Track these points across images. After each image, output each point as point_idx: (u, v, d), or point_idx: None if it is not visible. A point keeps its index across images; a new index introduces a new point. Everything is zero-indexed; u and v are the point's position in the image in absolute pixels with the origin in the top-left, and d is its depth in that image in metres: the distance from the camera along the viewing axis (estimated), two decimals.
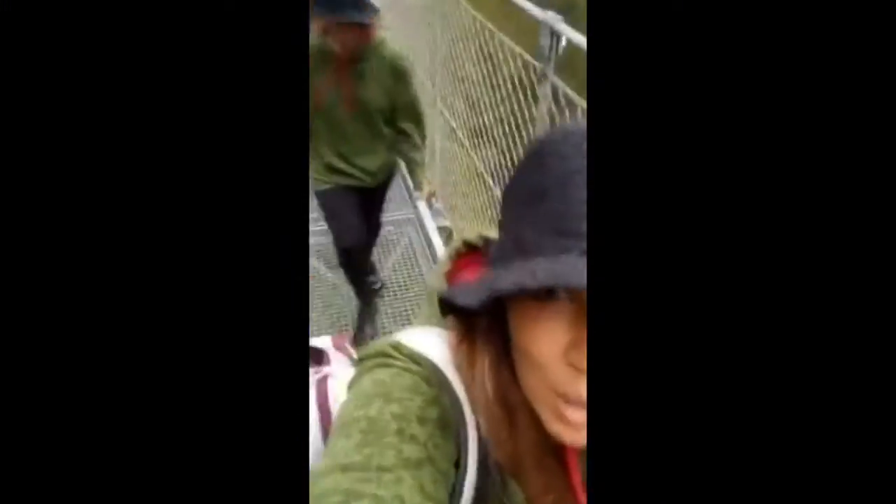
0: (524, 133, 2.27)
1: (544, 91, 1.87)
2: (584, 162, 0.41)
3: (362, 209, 2.56)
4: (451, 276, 0.55)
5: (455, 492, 0.48)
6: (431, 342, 0.52)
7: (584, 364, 0.40)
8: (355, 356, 0.82)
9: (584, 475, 0.50)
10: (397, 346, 0.51)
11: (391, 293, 3.03)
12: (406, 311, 2.95)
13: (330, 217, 2.55)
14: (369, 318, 2.81)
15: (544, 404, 0.45)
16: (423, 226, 3.22)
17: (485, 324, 0.49)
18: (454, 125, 3.18)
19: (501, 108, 2.51)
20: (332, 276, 3.05)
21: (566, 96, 1.81)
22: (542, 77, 1.87)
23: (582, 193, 0.40)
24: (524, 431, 0.48)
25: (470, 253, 0.57)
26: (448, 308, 0.46)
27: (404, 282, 3.10)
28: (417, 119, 2.41)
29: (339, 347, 0.94)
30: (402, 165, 2.62)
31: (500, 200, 0.50)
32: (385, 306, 2.94)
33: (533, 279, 0.37)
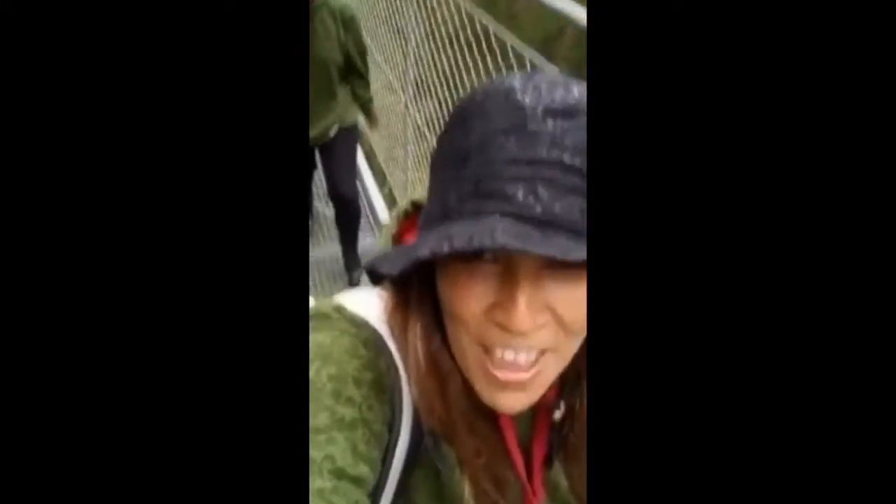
0: (465, 85, 2.34)
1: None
2: (505, 120, 0.40)
3: (324, 165, 2.64)
4: (398, 238, 0.55)
5: (388, 454, 0.49)
6: (372, 304, 0.52)
7: (511, 324, 0.41)
8: None
9: (519, 432, 0.52)
10: (338, 308, 0.52)
11: (336, 262, 3.08)
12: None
13: None
14: (351, 253, 2.91)
15: (474, 369, 0.46)
16: (367, 194, 3.29)
17: (416, 290, 0.49)
18: (391, 78, 3.23)
19: (443, 60, 2.58)
20: None
21: (514, 50, 1.87)
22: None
23: (503, 153, 0.40)
24: (456, 397, 0.48)
25: (416, 214, 0.56)
26: (373, 277, 0.46)
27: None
28: (365, 63, 2.49)
29: None
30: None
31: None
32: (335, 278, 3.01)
33: (449, 245, 0.37)
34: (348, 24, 2.31)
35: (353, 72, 2.48)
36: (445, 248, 0.37)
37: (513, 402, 0.46)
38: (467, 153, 0.42)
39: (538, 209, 0.39)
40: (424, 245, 0.40)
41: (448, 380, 0.48)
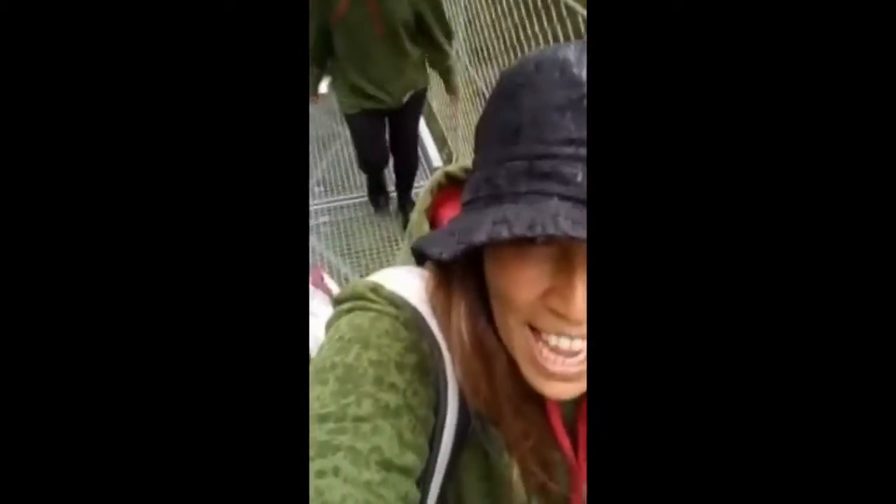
0: (526, 50, 2.32)
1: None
2: (560, 95, 0.38)
3: (391, 130, 2.66)
4: (431, 212, 0.53)
5: (435, 438, 0.47)
6: (411, 284, 0.50)
7: (568, 311, 0.39)
8: (334, 293, 0.76)
9: (565, 414, 0.50)
10: (375, 289, 0.49)
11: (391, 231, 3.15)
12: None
13: (357, 141, 2.66)
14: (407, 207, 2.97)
15: (523, 353, 0.44)
16: (427, 158, 3.32)
17: (460, 269, 0.47)
18: (454, 45, 3.23)
19: (502, 24, 2.56)
20: None
21: (566, 5, 1.84)
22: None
23: (558, 132, 0.38)
24: (502, 379, 0.47)
25: (451, 186, 0.55)
26: (420, 257, 0.44)
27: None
28: (444, 24, 2.40)
29: (316, 284, 0.90)
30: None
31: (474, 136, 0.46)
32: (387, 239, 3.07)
33: (508, 230, 0.35)
34: None
35: (427, 34, 2.38)
36: (505, 234, 0.35)
37: (560, 391, 0.44)
38: (518, 128, 0.39)
39: None
40: (479, 228, 0.37)
41: (494, 361, 0.47)
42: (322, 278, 0.90)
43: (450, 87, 2.64)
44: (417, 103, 2.62)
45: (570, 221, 0.35)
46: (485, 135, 0.44)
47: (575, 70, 0.38)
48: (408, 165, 2.86)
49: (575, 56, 0.39)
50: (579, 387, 0.44)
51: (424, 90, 2.62)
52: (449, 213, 0.54)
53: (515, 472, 0.49)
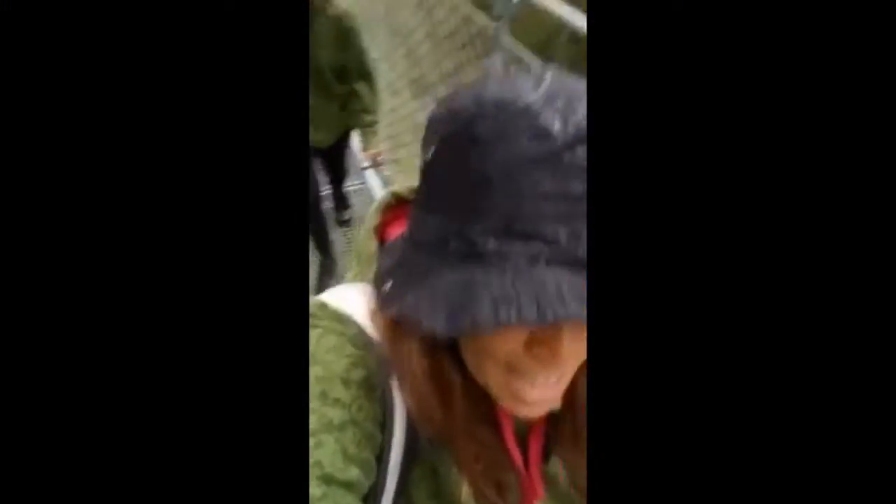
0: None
1: (497, 49, 1.90)
2: (533, 148, 0.37)
3: (327, 168, 2.70)
4: (379, 231, 0.52)
5: (383, 454, 0.47)
6: (357, 301, 0.50)
7: (552, 359, 0.39)
8: None
9: (517, 428, 0.50)
10: (322, 306, 0.49)
11: (343, 261, 3.13)
12: None
13: None
14: (329, 271, 2.92)
15: (501, 388, 0.43)
16: (371, 196, 3.32)
17: None
18: (393, 78, 3.25)
19: (444, 62, 2.59)
20: None
21: (517, 58, 1.84)
22: (496, 38, 1.89)
23: (535, 187, 0.36)
24: (457, 406, 0.46)
25: (399, 206, 0.54)
26: (407, 325, 0.41)
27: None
28: (368, 79, 2.39)
29: None
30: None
31: (420, 174, 0.45)
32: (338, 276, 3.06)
33: (518, 315, 0.34)
34: (346, 33, 2.25)
35: (353, 84, 2.39)
36: (514, 319, 0.34)
37: (537, 412, 0.44)
38: (489, 180, 0.37)
39: (580, 251, 0.36)
40: (477, 303, 0.36)
41: (450, 389, 0.46)
42: None
43: (366, 145, 2.59)
44: (346, 141, 2.67)
45: (577, 300, 0.34)
46: (444, 176, 0.41)
47: (542, 120, 0.37)
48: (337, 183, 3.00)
49: (538, 100, 0.37)
50: (553, 404, 0.45)
51: (349, 133, 2.66)
52: (397, 231, 0.53)
53: (465, 491, 0.48)
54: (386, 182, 3.32)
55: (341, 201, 3.12)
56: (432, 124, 0.42)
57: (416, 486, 0.49)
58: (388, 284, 0.44)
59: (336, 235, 3.03)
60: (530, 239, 0.36)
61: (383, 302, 0.45)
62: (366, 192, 3.42)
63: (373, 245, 0.53)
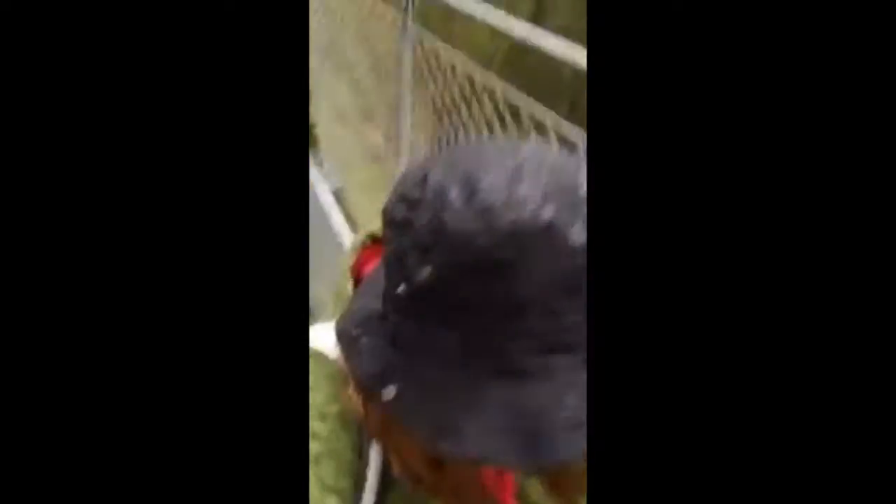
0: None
1: (407, 41, 2.00)
2: (563, 270, 0.36)
3: None
4: (355, 269, 0.53)
5: (358, 480, 0.49)
6: (333, 339, 0.49)
7: (569, 492, 0.41)
8: None
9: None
10: None
11: None
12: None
13: None
14: None
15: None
16: (314, 192, 3.36)
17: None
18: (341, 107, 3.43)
19: (385, 88, 2.77)
20: None
21: (427, 46, 1.95)
22: (403, 28, 2.00)
23: (574, 302, 0.36)
24: (421, 451, 0.45)
25: (375, 244, 0.54)
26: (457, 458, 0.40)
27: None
28: None
29: None
30: None
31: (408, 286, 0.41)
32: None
33: (573, 449, 0.35)
34: None
35: None
36: (574, 453, 0.35)
37: None
38: (523, 305, 0.36)
39: None
40: (554, 432, 0.36)
41: (441, 464, 0.45)
42: None
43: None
44: None
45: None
46: (457, 299, 0.38)
47: (568, 237, 0.36)
48: None
49: (558, 216, 0.36)
50: None
51: None
52: (371, 270, 0.53)
53: None
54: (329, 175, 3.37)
55: None
56: (407, 229, 0.39)
57: None
58: (390, 389, 0.40)
59: None
60: (573, 350, 0.36)
61: (390, 407, 0.41)
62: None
63: (349, 286, 0.53)
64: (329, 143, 3.47)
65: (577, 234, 0.36)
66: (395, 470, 0.47)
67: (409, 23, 2.00)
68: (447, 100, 1.93)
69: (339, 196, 3.35)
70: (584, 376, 0.36)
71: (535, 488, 0.53)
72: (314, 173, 3.33)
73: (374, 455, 0.50)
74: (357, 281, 0.54)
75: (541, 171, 0.37)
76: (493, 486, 0.49)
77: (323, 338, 0.52)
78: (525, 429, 0.37)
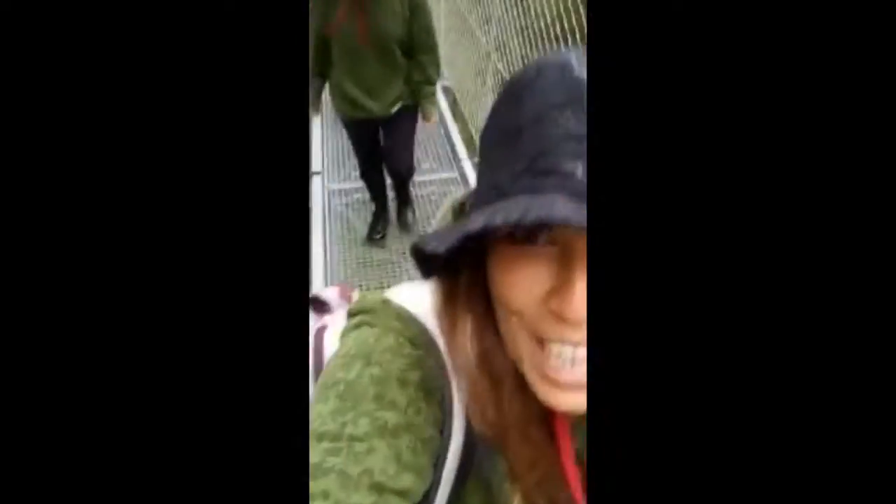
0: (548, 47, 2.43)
1: None
2: (560, 94, 0.38)
3: (384, 140, 2.79)
4: None
5: (438, 462, 0.46)
6: (421, 299, 0.49)
7: (566, 311, 0.38)
8: None
9: (577, 448, 0.48)
10: (385, 303, 0.49)
11: None
12: None
13: (353, 148, 2.86)
14: (405, 211, 3.16)
15: (531, 365, 0.42)
16: (467, 184, 3.31)
17: (466, 280, 0.46)
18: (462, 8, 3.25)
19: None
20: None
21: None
22: None
23: (558, 129, 0.37)
24: (509, 400, 0.45)
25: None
26: (421, 260, 0.42)
27: None
28: (432, 51, 2.52)
29: (344, 297, 0.89)
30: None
31: (479, 137, 0.46)
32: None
33: (504, 217, 0.34)
34: (414, 8, 2.36)
35: (418, 57, 2.50)
36: (499, 220, 0.34)
37: (572, 402, 0.41)
38: (519, 129, 0.39)
39: None
40: (475, 220, 0.36)
41: (501, 381, 0.45)
42: (350, 298, 0.89)
43: (425, 114, 2.71)
44: (409, 116, 2.70)
45: (568, 210, 0.34)
46: (488, 140, 0.43)
47: (575, 72, 0.38)
48: (402, 175, 2.97)
49: (576, 59, 0.39)
50: None
51: (415, 106, 2.68)
52: None
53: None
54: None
55: (404, 201, 3.12)
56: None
57: (468, 499, 0.49)
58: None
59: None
60: (548, 174, 0.37)
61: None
62: (458, 181, 3.41)
63: None
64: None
65: (585, 72, 0.38)
66: (466, 406, 0.47)
67: None
68: None
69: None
70: (547, 196, 0.37)
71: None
72: (468, 166, 3.21)
73: (457, 436, 0.47)
74: None
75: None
76: (567, 454, 0.48)
77: (411, 297, 0.51)
78: (460, 226, 0.38)
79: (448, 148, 3.67)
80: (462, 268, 0.45)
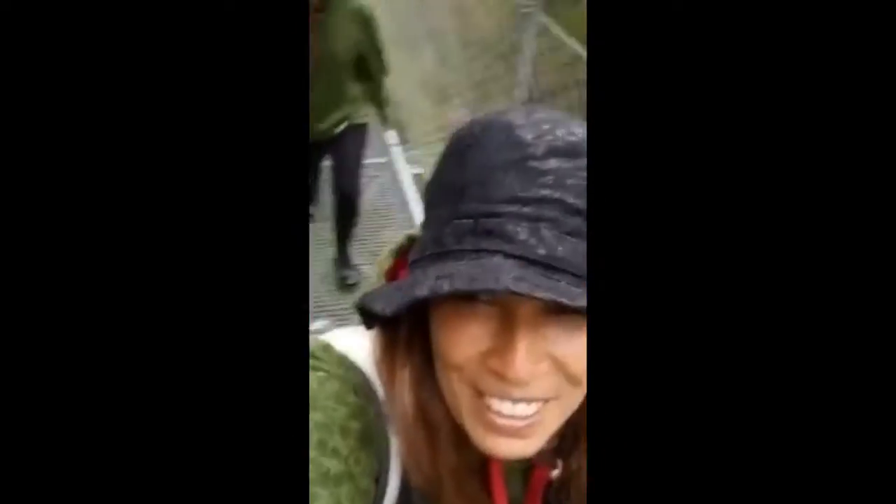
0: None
1: (529, 27, 1.93)
2: (504, 155, 0.39)
3: (333, 158, 2.70)
4: (391, 274, 0.51)
5: None
6: (360, 346, 0.49)
7: (508, 372, 0.39)
8: None
9: (512, 497, 0.48)
10: (326, 349, 0.49)
11: (361, 237, 3.15)
12: (377, 254, 3.08)
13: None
14: (345, 256, 2.94)
15: (468, 412, 0.43)
16: (395, 171, 3.33)
17: (406, 333, 0.46)
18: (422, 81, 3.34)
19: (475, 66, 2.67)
20: None
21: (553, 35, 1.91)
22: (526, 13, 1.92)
23: (502, 190, 0.38)
24: (445, 452, 0.45)
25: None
26: (365, 316, 0.42)
27: (375, 226, 3.24)
28: (381, 64, 2.51)
29: None
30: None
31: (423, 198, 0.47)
32: (354, 250, 3.05)
33: (450, 284, 0.35)
34: (365, 23, 2.36)
35: (367, 71, 2.50)
36: (446, 288, 0.35)
37: (508, 449, 0.42)
38: (463, 188, 0.40)
39: (541, 250, 0.37)
40: (422, 283, 0.37)
41: (437, 432, 0.46)
42: None
43: (383, 118, 2.73)
44: (358, 136, 2.65)
45: (512, 277, 0.35)
46: (433, 194, 0.44)
47: (520, 132, 0.39)
48: (347, 195, 2.80)
49: (521, 119, 0.40)
50: (529, 444, 0.43)
51: (363, 125, 2.65)
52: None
53: None
54: (412, 161, 3.29)
55: (344, 233, 2.91)
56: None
57: None
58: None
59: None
60: (491, 236, 0.38)
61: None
62: (389, 167, 3.36)
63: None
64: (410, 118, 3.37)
65: (529, 135, 0.39)
66: (402, 456, 0.47)
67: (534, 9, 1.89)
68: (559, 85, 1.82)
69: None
70: (491, 259, 0.38)
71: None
72: (397, 152, 3.26)
73: (392, 485, 0.48)
74: None
75: (542, 111, 0.42)
76: (501, 501, 0.48)
77: (349, 343, 0.50)
78: (404, 285, 0.40)
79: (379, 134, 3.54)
80: (402, 320, 0.46)
